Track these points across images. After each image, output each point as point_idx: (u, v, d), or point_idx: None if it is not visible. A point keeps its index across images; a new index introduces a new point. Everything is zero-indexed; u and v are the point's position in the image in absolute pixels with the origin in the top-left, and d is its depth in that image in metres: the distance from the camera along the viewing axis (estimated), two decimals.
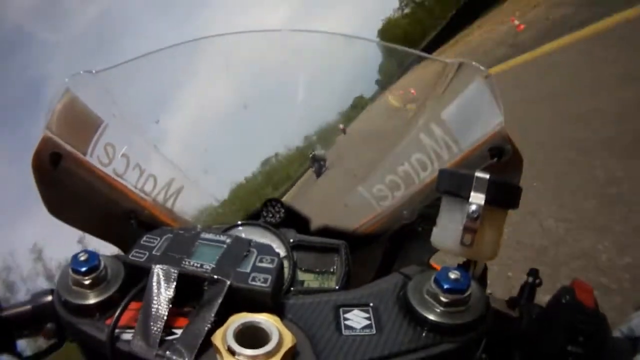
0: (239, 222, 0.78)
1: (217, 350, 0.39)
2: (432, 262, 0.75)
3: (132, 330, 0.43)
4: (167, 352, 0.41)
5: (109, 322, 0.44)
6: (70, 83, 0.70)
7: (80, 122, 0.73)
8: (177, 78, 0.87)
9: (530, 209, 2.93)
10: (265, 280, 0.47)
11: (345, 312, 0.47)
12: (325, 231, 0.80)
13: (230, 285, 0.46)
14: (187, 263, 0.48)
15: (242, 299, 0.46)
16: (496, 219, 0.51)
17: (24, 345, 0.56)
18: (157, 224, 0.77)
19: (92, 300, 0.47)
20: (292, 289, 0.71)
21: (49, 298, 0.51)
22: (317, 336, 0.44)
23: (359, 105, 1.51)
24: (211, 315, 0.44)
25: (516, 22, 11.18)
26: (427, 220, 0.70)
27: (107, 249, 0.76)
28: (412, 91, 1.08)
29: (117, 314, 0.44)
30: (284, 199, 0.83)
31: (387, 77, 1.40)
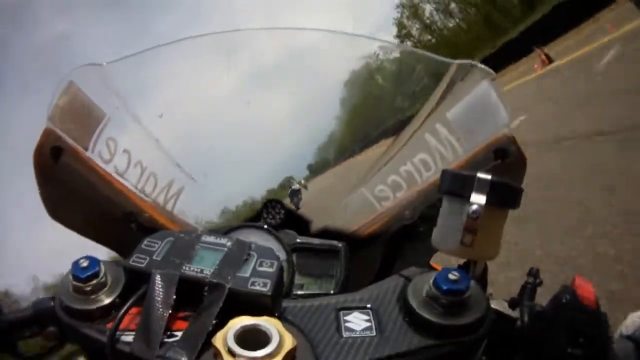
0: (240, 224, 0.78)
1: (218, 352, 0.39)
2: (433, 262, 0.74)
3: (133, 333, 0.44)
4: (168, 354, 0.41)
5: (111, 325, 0.44)
6: (74, 75, 0.70)
7: (83, 115, 0.73)
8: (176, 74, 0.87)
9: None
10: (265, 285, 0.47)
11: (345, 314, 0.47)
12: (326, 232, 0.79)
13: (230, 290, 0.46)
14: (187, 268, 0.49)
15: (242, 303, 0.46)
16: (497, 219, 0.50)
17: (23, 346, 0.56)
18: (157, 227, 0.76)
19: (93, 306, 0.47)
20: (292, 292, 0.70)
21: (51, 304, 0.51)
22: (317, 338, 0.44)
23: (286, 185, 1.56)
24: (211, 318, 0.44)
25: None
26: (427, 221, 0.70)
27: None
28: None
29: (118, 317, 0.45)
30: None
31: (322, 164, 1.43)
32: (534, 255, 3.03)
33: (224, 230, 0.76)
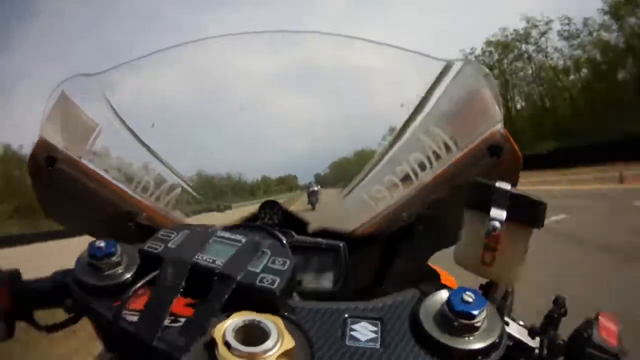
0: (238, 224, 0.78)
1: (215, 344, 0.40)
2: (430, 263, 0.74)
3: (139, 314, 0.45)
4: (167, 338, 0.43)
5: (119, 303, 0.46)
6: (66, 86, 0.70)
7: (76, 125, 0.73)
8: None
9: None
10: (273, 282, 0.48)
11: (353, 322, 0.46)
12: (324, 233, 0.79)
13: (238, 283, 0.47)
14: (200, 257, 0.50)
15: (249, 298, 0.46)
16: (519, 237, 0.47)
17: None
18: (156, 226, 0.76)
19: (105, 282, 0.49)
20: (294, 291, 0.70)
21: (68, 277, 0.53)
22: (319, 343, 0.44)
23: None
24: (216, 308, 0.45)
25: None
26: (425, 221, 0.70)
27: None
28: None
29: (126, 295, 0.46)
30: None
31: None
32: None
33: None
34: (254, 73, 0.88)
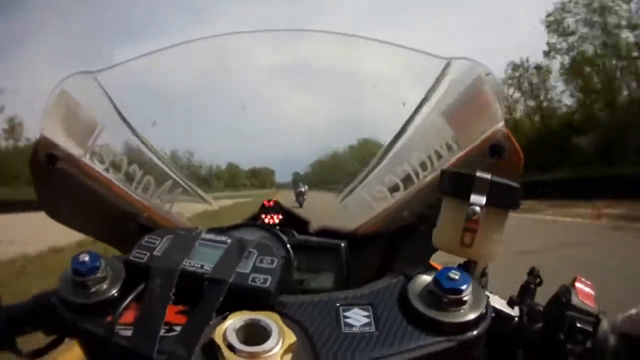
0: (238, 224, 0.78)
1: (217, 347, 0.40)
2: (432, 262, 0.73)
3: (132, 328, 0.44)
4: (166, 348, 0.42)
5: (110, 319, 0.45)
6: (66, 84, 0.70)
7: (77, 123, 0.73)
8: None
9: None
10: (265, 281, 0.48)
11: (345, 310, 0.48)
12: (324, 232, 0.79)
13: (230, 285, 0.47)
14: (187, 263, 0.50)
15: (242, 299, 0.47)
16: (497, 219, 0.51)
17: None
18: (156, 227, 0.76)
19: (92, 300, 0.47)
20: (291, 288, 0.70)
21: (51, 297, 0.51)
22: (317, 333, 0.45)
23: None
24: (211, 313, 0.45)
25: None
26: (426, 220, 0.69)
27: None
28: None
29: (117, 311, 0.45)
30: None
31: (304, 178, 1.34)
32: None
33: (222, 229, 0.76)
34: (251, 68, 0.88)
